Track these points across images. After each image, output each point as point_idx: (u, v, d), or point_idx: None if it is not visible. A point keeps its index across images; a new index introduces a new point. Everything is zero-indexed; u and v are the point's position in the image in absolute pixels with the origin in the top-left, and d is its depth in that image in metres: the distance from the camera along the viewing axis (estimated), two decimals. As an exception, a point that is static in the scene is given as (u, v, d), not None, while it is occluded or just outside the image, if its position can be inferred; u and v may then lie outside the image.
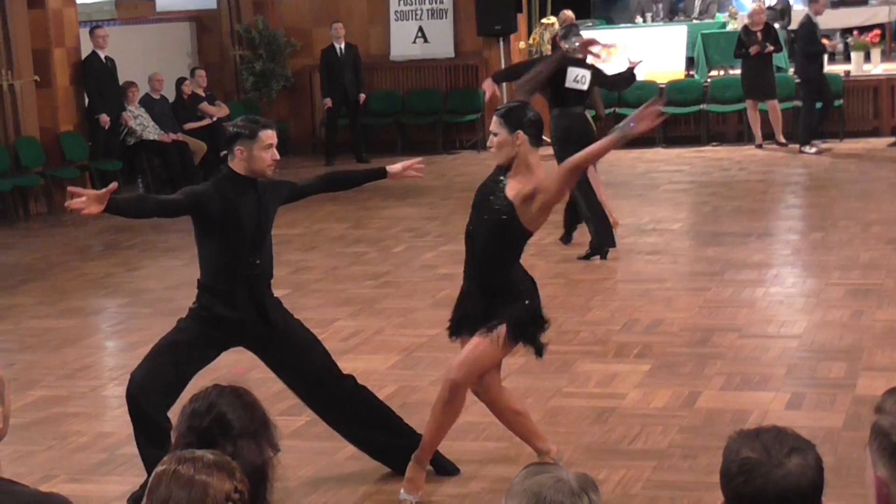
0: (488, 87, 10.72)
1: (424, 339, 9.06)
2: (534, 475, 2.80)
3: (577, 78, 11.40)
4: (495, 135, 6.13)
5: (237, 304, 6.61)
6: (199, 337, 6.54)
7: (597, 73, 11.76)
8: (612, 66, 13.95)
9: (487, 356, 6.22)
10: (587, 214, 11.59)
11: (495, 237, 6.20)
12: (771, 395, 7.58)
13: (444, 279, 10.98)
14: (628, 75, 12.23)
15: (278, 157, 6.46)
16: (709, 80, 18.99)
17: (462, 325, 6.46)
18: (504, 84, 15.08)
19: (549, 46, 18.92)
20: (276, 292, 10.98)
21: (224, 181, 6.47)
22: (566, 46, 11.64)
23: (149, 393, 6.24)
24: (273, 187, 6.70)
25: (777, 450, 2.84)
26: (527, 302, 6.30)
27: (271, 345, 6.66)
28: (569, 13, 17.63)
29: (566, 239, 12.14)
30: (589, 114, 12.19)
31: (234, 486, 2.95)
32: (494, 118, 6.17)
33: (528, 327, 6.27)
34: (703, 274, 10.77)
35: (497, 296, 6.27)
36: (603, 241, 11.49)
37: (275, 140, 6.40)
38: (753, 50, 17.17)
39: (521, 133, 6.07)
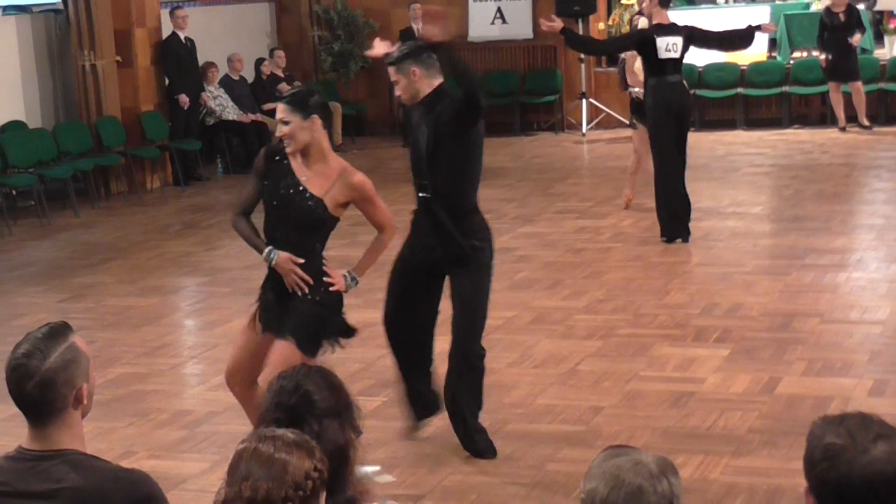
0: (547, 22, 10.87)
1: (501, 322, 9.03)
2: (613, 457, 2.77)
3: (668, 46, 11.13)
4: (286, 123, 5.92)
5: (416, 229, 6.76)
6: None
7: (695, 36, 11.33)
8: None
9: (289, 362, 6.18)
10: (658, 201, 11.43)
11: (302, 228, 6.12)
12: (853, 381, 7.49)
13: (522, 261, 10.96)
14: (747, 34, 11.62)
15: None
16: (791, 61, 18.78)
17: (266, 317, 6.25)
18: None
19: (629, 28, 18.80)
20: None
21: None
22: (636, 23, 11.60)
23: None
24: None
25: (862, 436, 2.79)
26: (317, 298, 6.16)
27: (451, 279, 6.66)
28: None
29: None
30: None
31: (313, 464, 2.95)
32: (282, 105, 5.97)
33: (314, 329, 6.15)
34: (784, 258, 10.66)
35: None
36: (669, 233, 11.36)
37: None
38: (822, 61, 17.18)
39: (316, 117, 5.95)
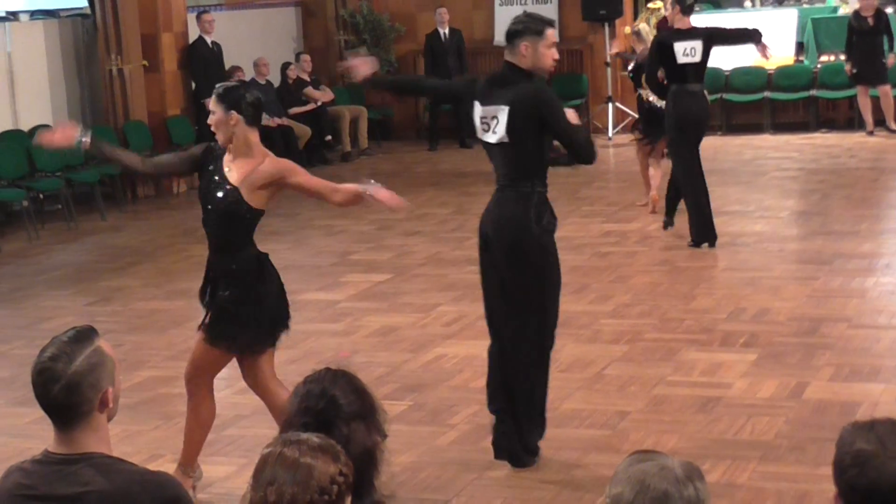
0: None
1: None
2: (638, 462, 2.76)
3: (687, 51, 11.01)
4: (213, 113, 6.10)
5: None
6: None
7: (713, 36, 11.17)
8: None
9: (204, 357, 6.28)
10: (689, 206, 11.38)
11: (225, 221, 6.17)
12: (881, 386, 7.44)
13: (548, 265, 10.93)
14: (753, 32, 11.43)
15: (557, 56, 6.51)
16: (819, 65, 18.69)
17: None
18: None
19: (655, 32, 18.75)
20: (379, 277, 11.09)
21: (504, 73, 6.52)
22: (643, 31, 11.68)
23: None
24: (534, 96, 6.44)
25: (892, 442, 2.77)
26: (227, 293, 6.19)
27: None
28: (676, -3, 17.43)
29: (669, 223, 11.94)
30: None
31: (338, 469, 2.95)
32: (213, 96, 6.15)
33: (220, 324, 6.19)
34: (812, 263, 10.61)
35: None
36: (699, 236, 11.30)
37: (556, 39, 6.50)
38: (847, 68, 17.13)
39: (234, 113, 6.02)
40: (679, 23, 11.22)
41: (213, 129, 6.09)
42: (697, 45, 11.01)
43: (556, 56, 6.46)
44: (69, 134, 6.22)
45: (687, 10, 11.26)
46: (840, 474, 2.80)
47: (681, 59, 11.01)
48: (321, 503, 2.90)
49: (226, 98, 6.06)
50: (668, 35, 11.22)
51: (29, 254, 12.95)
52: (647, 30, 13.08)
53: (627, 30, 19.21)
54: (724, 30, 11.43)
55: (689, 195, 11.35)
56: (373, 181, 6.19)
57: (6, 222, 14.37)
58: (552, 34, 6.43)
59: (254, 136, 6.11)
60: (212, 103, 6.10)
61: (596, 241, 11.80)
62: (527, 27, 6.38)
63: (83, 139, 6.21)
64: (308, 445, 2.97)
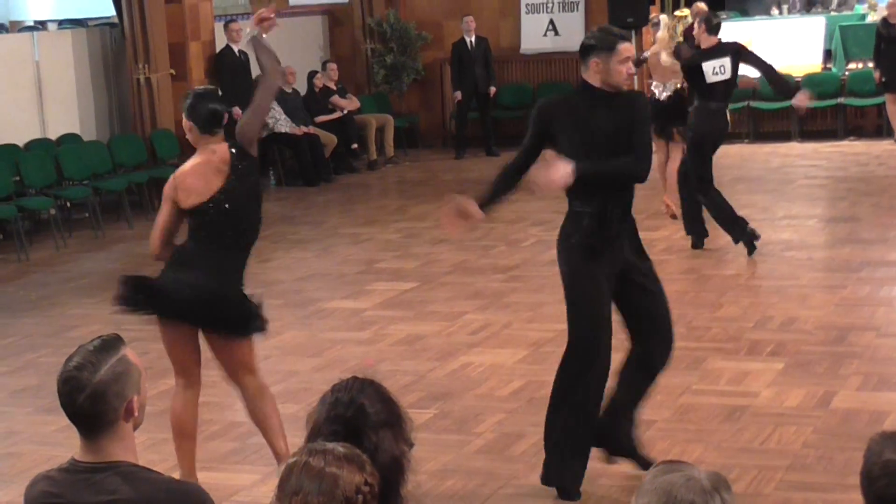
0: None
1: (552, 335, 8.99)
2: (665, 473, 2.75)
3: (716, 70, 11.05)
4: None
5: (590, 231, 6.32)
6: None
7: (740, 53, 11.22)
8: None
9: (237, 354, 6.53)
10: (719, 220, 11.36)
11: None
12: (909, 396, 7.40)
13: (574, 273, 10.91)
14: (788, 88, 11.85)
15: (633, 70, 6.23)
16: (847, 73, 18.62)
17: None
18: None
19: (682, 39, 18.70)
20: (405, 285, 11.10)
21: (579, 92, 6.33)
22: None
23: None
24: (631, 106, 6.26)
25: (921, 453, 2.75)
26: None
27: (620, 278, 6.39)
28: (702, 5, 17.38)
29: (698, 244, 11.79)
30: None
31: (364, 478, 2.94)
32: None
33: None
34: (840, 271, 10.56)
35: None
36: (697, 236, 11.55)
37: (632, 53, 6.20)
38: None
39: (186, 121, 6.41)
40: (706, 42, 11.25)
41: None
42: (726, 62, 11.07)
43: (632, 71, 6.18)
44: None
45: (713, 30, 11.27)
46: (869, 485, 2.79)
47: (710, 79, 11.07)
48: None
49: (188, 106, 6.54)
50: (696, 56, 11.23)
51: (56, 262, 13.00)
52: (666, 21, 13.09)
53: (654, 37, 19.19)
54: (757, 58, 11.35)
55: (690, 195, 11.43)
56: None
57: (34, 231, 14.43)
58: (626, 48, 6.14)
59: (204, 142, 6.58)
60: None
61: (622, 250, 11.75)
62: (599, 41, 6.15)
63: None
64: (333, 455, 2.96)
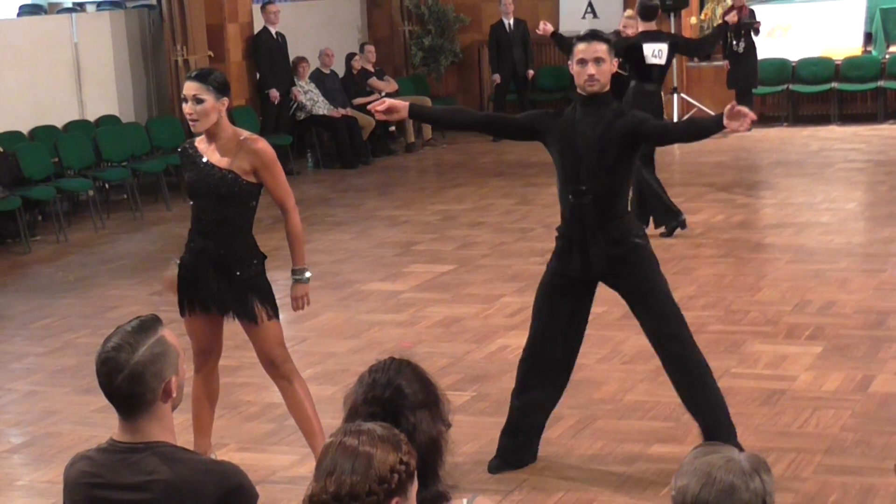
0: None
1: (591, 317, 8.96)
2: (704, 455, 2.75)
3: (655, 52, 11.50)
4: (201, 101, 5.95)
5: (568, 239, 6.23)
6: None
7: (679, 44, 11.88)
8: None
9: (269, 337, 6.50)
10: (650, 196, 11.51)
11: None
12: (949, 380, 7.35)
13: (612, 256, 10.88)
14: (715, 33, 12.65)
15: (594, 72, 5.95)
16: (887, 56, 18.47)
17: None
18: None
19: (722, 21, 18.60)
20: (442, 267, 11.10)
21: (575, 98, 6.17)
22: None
23: None
24: (633, 118, 6.08)
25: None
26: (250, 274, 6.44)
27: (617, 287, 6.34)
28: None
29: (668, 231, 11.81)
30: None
31: (398, 458, 2.94)
32: (195, 84, 5.97)
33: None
34: (879, 255, 10.49)
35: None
36: (663, 222, 11.59)
37: (587, 54, 5.95)
38: None
39: (226, 99, 6.02)
40: (644, 25, 11.78)
41: (196, 116, 5.98)
42: (664, 47, 11.57)
43: (590, 72, 5.93)
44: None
45: (646, 15, 11.81)
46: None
47: (649, 60, 11.52)
48: (380, 492, 2.90)
49: (216, 83, 6.00)
50: (639, 37, 11.75)
51: (95, 243, 13.06)
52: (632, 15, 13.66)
53: (693, 20, 19.11)
54: (689, 42, 12.35)
55: (645, 185, 11.45)
56: (307, 274, 6.60)
57: (73, 212, 14.51)
58: (579, 49, 5.99)
59: (226, 119, 6.11)
60: (198, 89, 5.96)
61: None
62: (570, 43, 6.14)
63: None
64: (368, 435, 2.97)
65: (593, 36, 6.07)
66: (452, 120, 6.93)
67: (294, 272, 6.29)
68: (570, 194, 6.09)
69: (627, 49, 11.55)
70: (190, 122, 6.05)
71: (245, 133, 6.15)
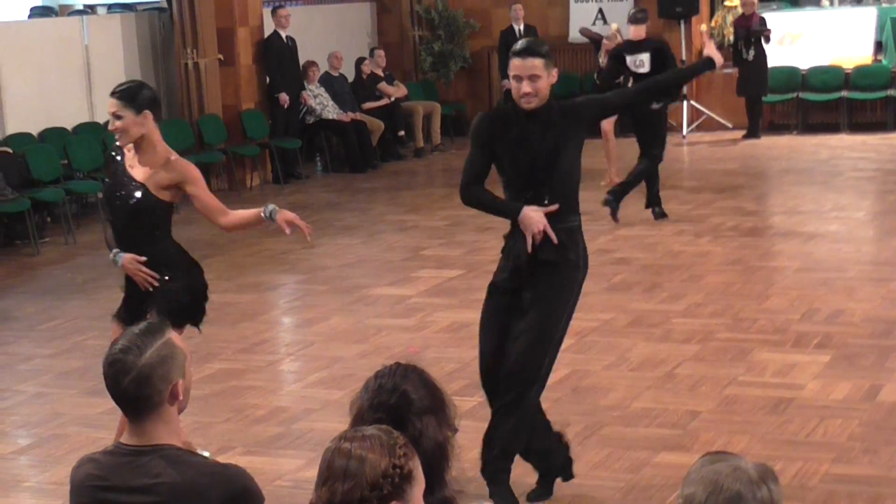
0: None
1: (597, 324, 8.98)
2: (712, 463, 2.74)
3: (636, 63, 11.98)
4: (119, 118, 6.00)
5: (512, 249, 6.11)
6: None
7: (661, 55, 12.06)
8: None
9: None
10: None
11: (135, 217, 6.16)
12: (957, 390, 7.33)
13: (620, 263, 10.89)
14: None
15: (529, 90, 5.74)
16: (897, 65, 18.47)
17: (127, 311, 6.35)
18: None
19: (731, 30, 18.61)
20: (450, 272, 11.10)
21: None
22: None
23: None
24: (571, 111, 5.92)
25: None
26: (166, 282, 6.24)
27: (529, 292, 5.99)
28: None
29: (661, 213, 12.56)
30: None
31: (391, 462, 2.94)
32: (113, 100, 6.02)
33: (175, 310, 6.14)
34: (888, 264, 10.48)
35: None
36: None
37: (521, 70, 5.73)
38: None
39: (147, 112, 6.02)
40: (633, 32, 12.28)
41: (117, 132, 6.06)
42: (645, 57, 12.01)
43: (525, 90, 5.71)
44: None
45: (634, 21, 12.22)
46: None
47: (633, 69, 12.03)
48: (373, 498, 2.90)
49: (133, 99, 6.04)
50: (623, 47, 12.32)
51: (103, 245, 12.97)
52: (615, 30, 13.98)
53: (703, 27, 19.10)
54: (666, 56, 12.27)
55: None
56: (273, 205, 6.12)
57: (81, 214, 14.53)
58: (513, 65, 5.75)
59: (156, 133, 6.15)
60: (116, 106, 6.03)
61: (668, 240, 11.73)
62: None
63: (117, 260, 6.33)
64: (362, 439, 2.97)
65: (528, 51, 5.77)
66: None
67: (263, 214, 6.17)
68: (523, 201, 5.96)
69: (613, 59, 12.24)
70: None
71: (176, 154, 6.21)
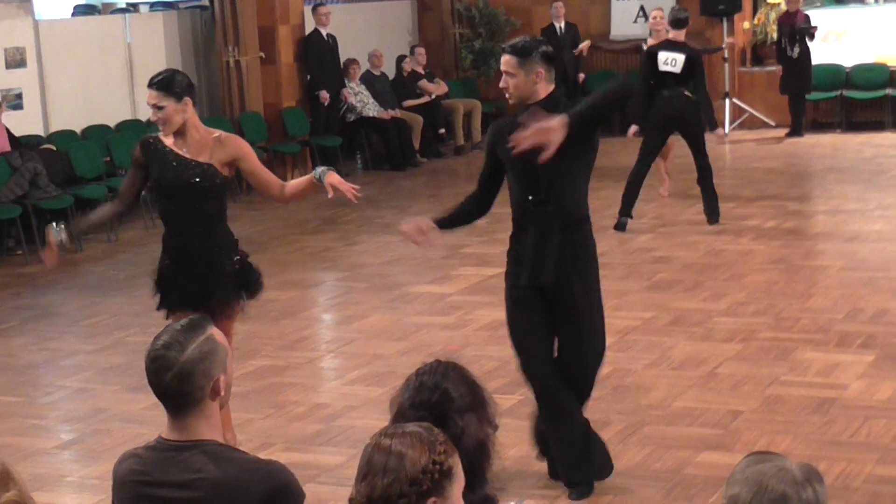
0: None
1: (639, 322, 8.95)
2: (756, 463, 2.72)
3: (667, 61, 11.94)
4: (161, 108, 6.10)
5: (524, 249, 6.13)
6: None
7: (692, 64, 12.00)
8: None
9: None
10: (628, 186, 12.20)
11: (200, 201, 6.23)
12: None
13: (661, 262, 10.84)
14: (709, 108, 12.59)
15: (503, 85, 5.92)
16: (943, 62, 18.30)
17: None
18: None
19: (775, 27, 18.50)
20: (490, 270, 11.07)
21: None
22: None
23: None
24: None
25: None
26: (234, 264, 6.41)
27: (552, 302, 6.02)
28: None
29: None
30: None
31: (431, 458, 2.93)
32: (153, 92, 6.13)
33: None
34: (932, 263, 10.39)
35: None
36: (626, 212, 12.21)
37: (507, 66, 5.86)
38: None
39: (188, 99, 6.15)
40: (673, 34, 12.22)
41: (160, 123, 6.17)
42: (679, 58, 11.97)
43: (502, 85, 5.91)
44: (52, 251, 6.38)
45: (675, 24, 12.21)
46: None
47: (662, 68, 11.99)
48: (412, 494, 2.89)
49: (171, 87, 6.13)
50: (659, 45, 12.27)
51: (145, 242, 13.12)
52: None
53: (746, 25, 19.00)
54: (697, 69, 12.14)
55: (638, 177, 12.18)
56: (322, 168, 6.14)
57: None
58: (503, 61, 5.90)
59: (195, 116, 6.27)
60: (156, 97, 6.11)
61: (710, 239, 11.66)
62: None
63: (60, 238, 6.32)
64: (403, 436, 2.97)
65: (506, 49, 5.93)
66: (472, 214, 6.72)
67: (315, 177, 6.19)
68: (530, 202, 5.95)
69: (646, 56, 12.23)
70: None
71: (218, 131, 6.33)
